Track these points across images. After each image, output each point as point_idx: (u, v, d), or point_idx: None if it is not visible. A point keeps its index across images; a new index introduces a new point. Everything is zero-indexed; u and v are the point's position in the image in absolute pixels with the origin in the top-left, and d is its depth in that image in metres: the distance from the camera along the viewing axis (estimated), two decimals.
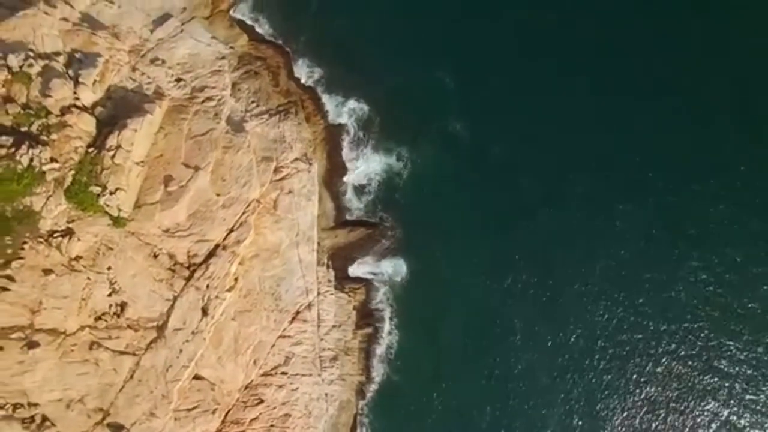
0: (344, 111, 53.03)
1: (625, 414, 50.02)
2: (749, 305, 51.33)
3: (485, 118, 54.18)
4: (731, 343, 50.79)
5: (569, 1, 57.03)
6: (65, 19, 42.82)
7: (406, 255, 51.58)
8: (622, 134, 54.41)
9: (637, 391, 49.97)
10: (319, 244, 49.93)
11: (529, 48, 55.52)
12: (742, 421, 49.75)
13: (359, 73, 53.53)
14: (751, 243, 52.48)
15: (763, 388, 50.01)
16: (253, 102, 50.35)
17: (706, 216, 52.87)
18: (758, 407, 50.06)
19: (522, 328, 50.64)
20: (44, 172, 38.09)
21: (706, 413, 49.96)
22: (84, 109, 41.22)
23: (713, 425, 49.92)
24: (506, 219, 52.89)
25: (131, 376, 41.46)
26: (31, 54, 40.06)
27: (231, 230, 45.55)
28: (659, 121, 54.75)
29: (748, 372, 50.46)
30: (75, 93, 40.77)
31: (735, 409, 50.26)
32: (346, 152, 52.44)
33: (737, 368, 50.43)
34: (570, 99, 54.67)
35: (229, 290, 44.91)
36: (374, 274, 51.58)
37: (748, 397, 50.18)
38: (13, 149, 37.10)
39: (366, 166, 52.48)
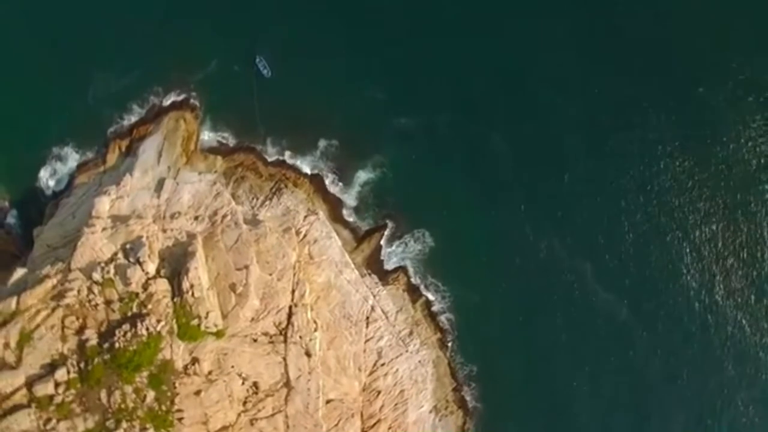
0: (316, 161, 60.42)
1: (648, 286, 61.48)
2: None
3: (419, 106, 61.94)
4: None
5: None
6: (104, 229, 48.20)
7: (420, 231, 60.41)
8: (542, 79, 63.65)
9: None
10: (353, 263, 58.07)
11: (434, 46, 63.46)
12: None
13: (312, 126, 60.49)
14: None
15: None
16: (252, 198, 57.67)
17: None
18: None
19: (531, 244, 61.11)
20: (159, 332, 44.40)
21: None
22: (155, 276, 47.05)
23: None
24: (475, 170, 61.91)
25: (287, 426, 49.20)
26: (102, 264, 46.06)
27: (293, 291, 52.15)
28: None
29: None
30: (143, 270, 46.36)
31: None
32: (334, 189, 60.24)
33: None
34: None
35: (315, 331, 52.12)
36: (404, 257, 60.05)
37: None
38: (133, 330, 43.78)
39: (353, 190, 60.54)
